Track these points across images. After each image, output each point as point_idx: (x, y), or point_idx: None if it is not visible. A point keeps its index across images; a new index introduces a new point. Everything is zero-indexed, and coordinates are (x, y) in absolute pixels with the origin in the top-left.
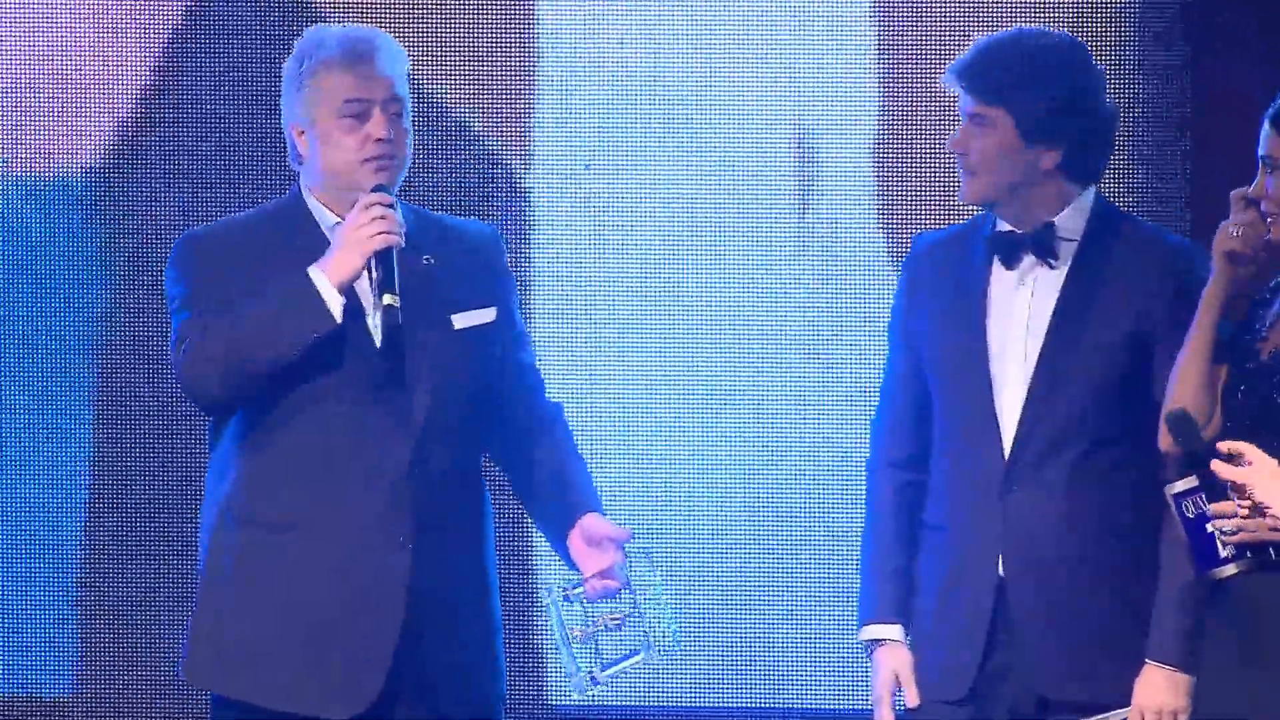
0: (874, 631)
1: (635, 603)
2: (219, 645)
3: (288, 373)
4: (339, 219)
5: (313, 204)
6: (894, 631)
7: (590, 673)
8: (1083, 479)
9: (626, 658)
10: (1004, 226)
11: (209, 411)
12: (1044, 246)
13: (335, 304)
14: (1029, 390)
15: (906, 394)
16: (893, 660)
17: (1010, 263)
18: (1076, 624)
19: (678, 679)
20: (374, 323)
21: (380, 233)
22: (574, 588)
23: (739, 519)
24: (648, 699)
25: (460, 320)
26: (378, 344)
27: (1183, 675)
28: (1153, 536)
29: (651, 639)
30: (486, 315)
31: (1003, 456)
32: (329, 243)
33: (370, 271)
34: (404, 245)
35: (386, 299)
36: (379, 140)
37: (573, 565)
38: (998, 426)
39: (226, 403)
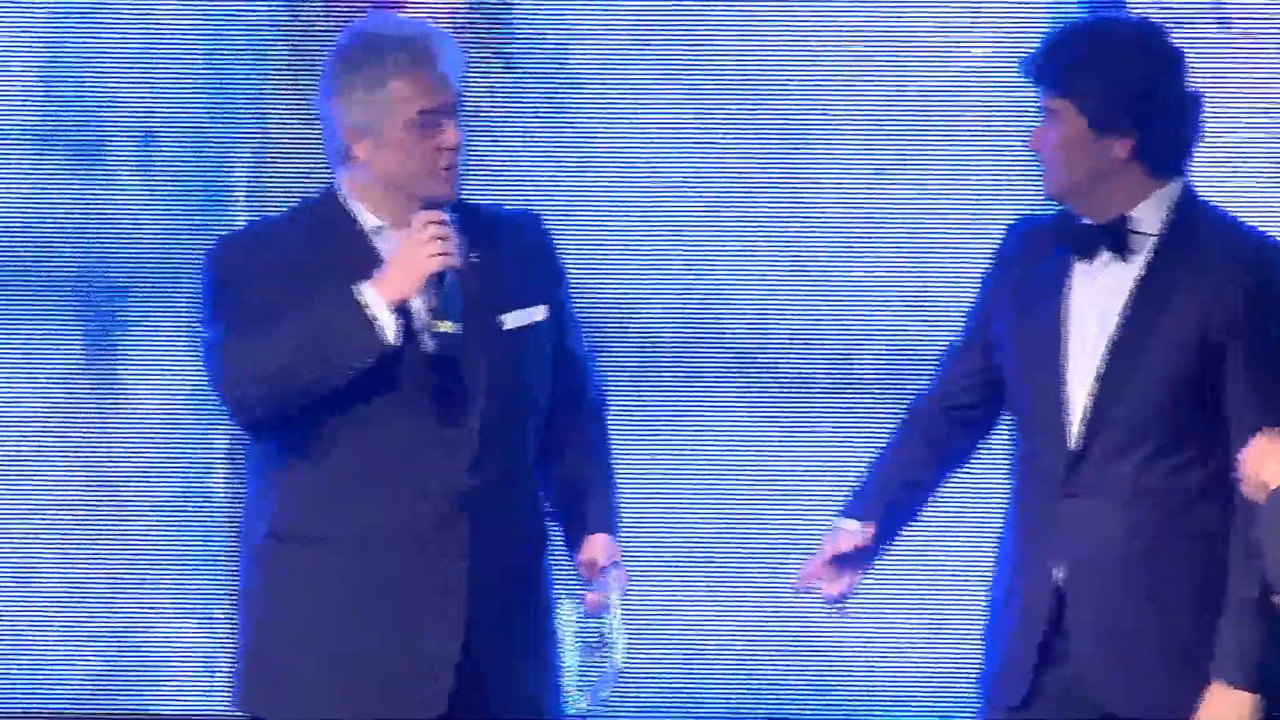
0: (837, 523)
1: (608, 625)
2: (273, 669)
3: (337, 388)
4: (381, 222)
5: (353, 206)
6: (848, 524)
7: (573, 696)
8: (1146, 484)
9: (602, 681)
10: (1084, 219)
11: (252, 431)
12: (1117, 240)
13: (389, 327)
14: (1094, 390)
15: (964, 360)
16: (830, 540)
17: (1086, 256)
18: (1137, 637)
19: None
20: (426, 337)
21: (438, 254)
22: (566, 604)
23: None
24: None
25: (511, 320)
26: (428, 353)
27: (1248, 695)
28: (1218, 547)
29: (610, 664)
30: (537, 313)
31: (1066, 458)
32: (370, 246)
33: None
34: (459, 264)
35: (445, 326)
36: (451, 149)
37: (582, 580)
38: (1064, 426)
39: (272, 423)
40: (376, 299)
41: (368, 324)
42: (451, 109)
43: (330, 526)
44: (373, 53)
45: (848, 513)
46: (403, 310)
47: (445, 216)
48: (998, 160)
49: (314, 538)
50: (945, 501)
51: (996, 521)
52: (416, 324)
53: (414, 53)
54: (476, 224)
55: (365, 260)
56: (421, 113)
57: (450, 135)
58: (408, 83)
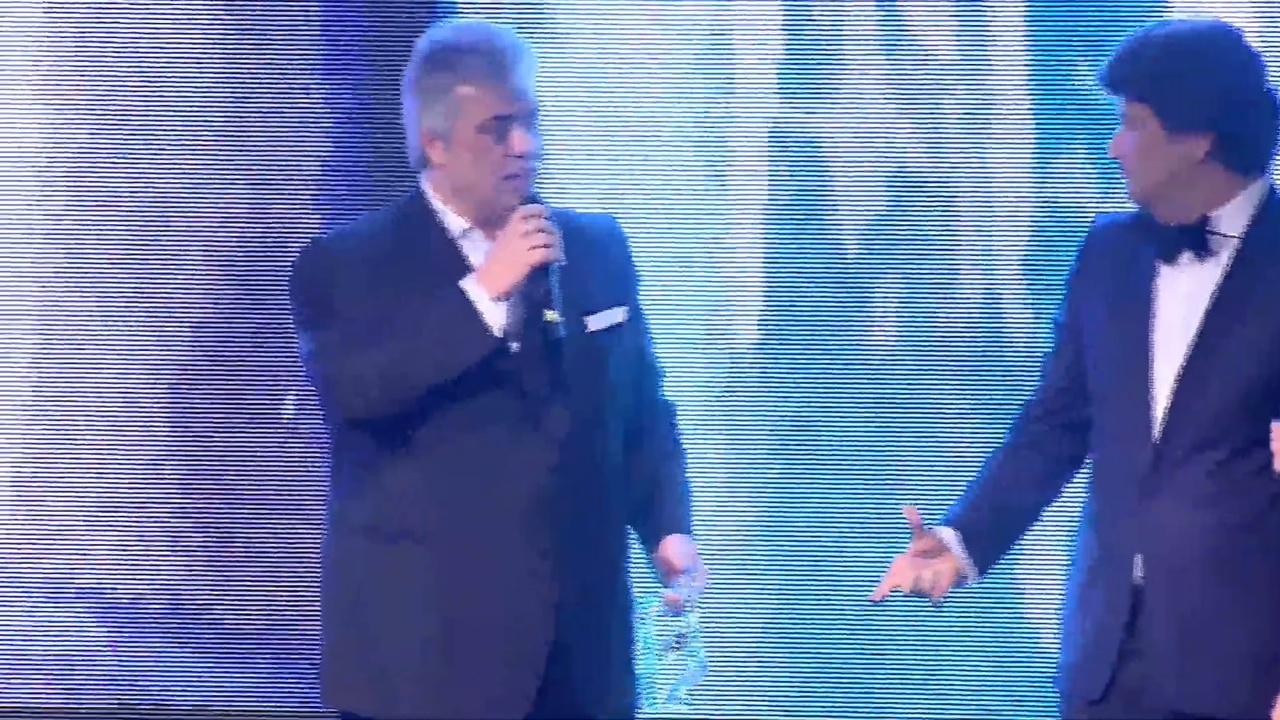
0: (936, 531)
1: (689, 624)
2: (360, 664)
3: (444, 385)
4: (468, 225)
5: (439, 208)
6: (943, 532)
7: (654, 689)
8: (1225, 485)
9: (683, 679)
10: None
11: (358, 428)
12: (1197, 241)
13: (495, 321)
14: (1174, 391)
15: (1060, 364)
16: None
17: (1169, 258)
18: (1212, 636)
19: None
20: (513, 336)
21: (539, 246)
22: (647, 602)
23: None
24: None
25: (594, 322)
26: (517, 352)
27: None
28: None
29: (694, 661)
30: (618, 315)
31: (1147, 457)
32: (458, 249)
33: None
34: (564, 260)
35: (550, 315)
36: (522, 156)
37: (658, 580)
38: (1146, 426)
39: (377, 421)
40: (481, 294)
41: (475, 319)
42: (524, 117)
43: (421, 523)
44: (447, 58)
45: (946, 520)
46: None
47: (545, 211)
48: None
49: (404, 534)
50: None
51: (1071, 517)
52: (512, 321)
53: (488, 60)
54: (558, 225)
55: (454, 263)
56: (492, 119)
57: (520, 141)
58: (479, 89)
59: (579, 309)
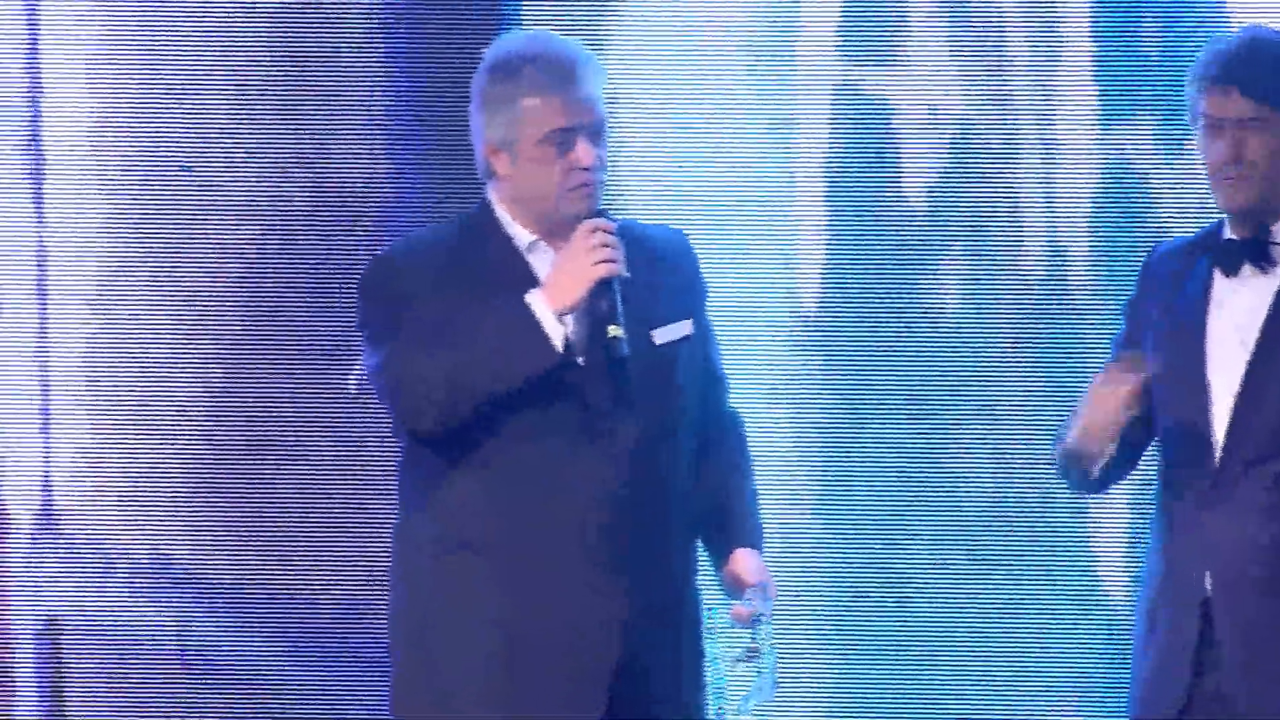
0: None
1: (760, 637)
2: (426, 680)
3: (507, 398)
4: (535, 237)
5: (505, 220)
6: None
7: (721, 706)
8: None
9: (753, 692)
10: (1229, 234)
11: (422, 441)
12: (1259, 253)
13: (557, 335)
14: (1235, 403)
15: None
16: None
17: (1232, 270)
18: None
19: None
20: (580, 349)
21: (603, 260)
22: (716, 615)
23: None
24: None
25: (661, 335)
26: (584, 366)
27: None
28: None
29: (764, 675)
30: (685, 328)
31: (1209, 470)
32: (525, 262)
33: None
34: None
35: (613, 331)
36: (585, 169)
37: (727, 594)
38: (1207, 439)
39: (441, 433)
40: (544, 308)
41: (538, 333)
42: (588, 129)
43: (482, 536)
44: (511, 68)
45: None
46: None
47: (611, 225)
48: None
49: (466, 546)
50: (1093, 509)
51: (1140, 528)
52: (575, 334)
53: (552, 72)
54: (624, 238)
55: (521, 276)
56: (555, 131)
57: (584, 154)
58: (542, 101)
59: (646, 322)
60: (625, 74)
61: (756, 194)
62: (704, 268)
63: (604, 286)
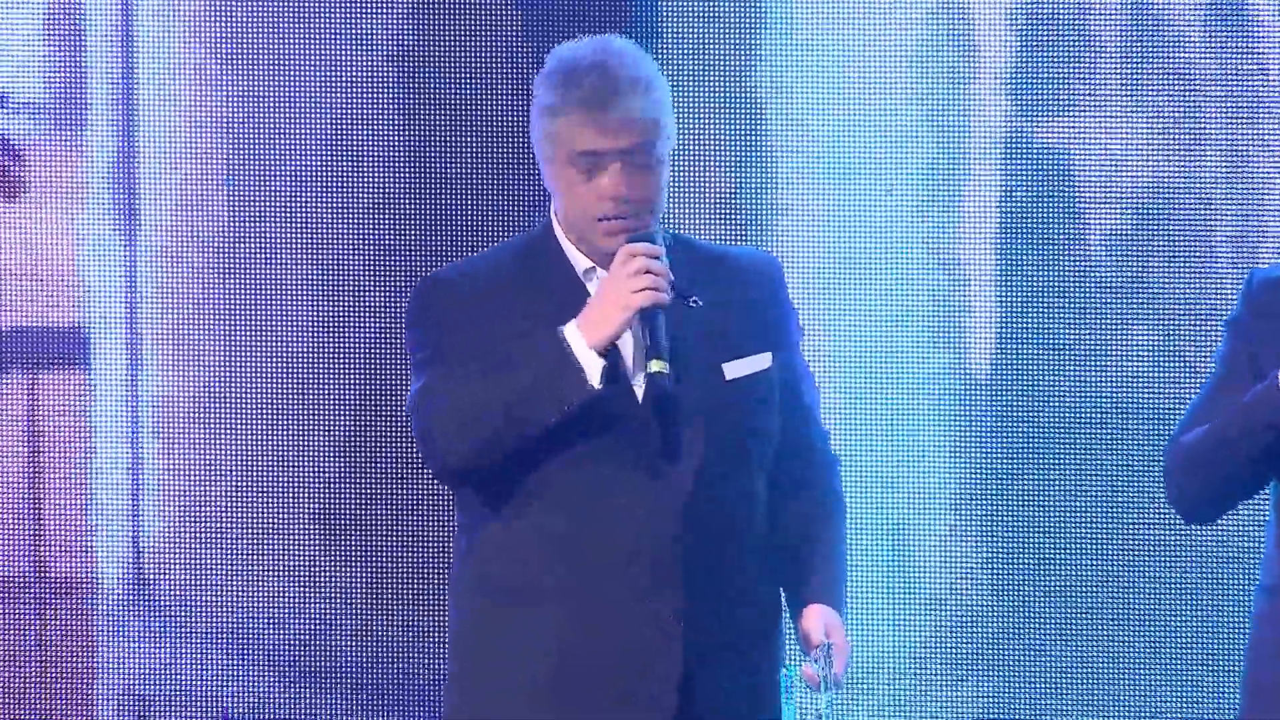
0: None
1: (823, 704)
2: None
3: (545, 435)
4: (590, 264)
5: (563, 243)
6: None
7: None
8: None
9: None
10: None
11: (451, 483)
12: None
13: (594, 371)
14: None
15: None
16: None
17: None
18: None
19: None
20: (638, 382)
21: (644, 288)
22: (794, 673)
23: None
24: None
25: (732, 369)
26: (640, 401)
27: None
28: None
29: None
30: (761, 361)
31: None
32: (583, 286)
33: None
34: (670, 300)
35: (654, 366)
36: (613, 199)
37: (802, 650)
38: None
39: (471, 475)
40: (579, 341)
41: (572, 368)
42: (626, 154)
43: (538, 580)
44: (555, 81)
45: None
46: (612, 352)
47: (656, 249)
48: None
49: (522, 592)
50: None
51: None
52: (626, 367)
53: (591, 88)
54: (702, 264)
55: (578, 303)
56: (581, 154)
57: (610, 183)
58: (574, 119)
59: (717, 355)
60: (790, 119)
61: (922, 236)
62: (869, 317)
63: (648, 317)
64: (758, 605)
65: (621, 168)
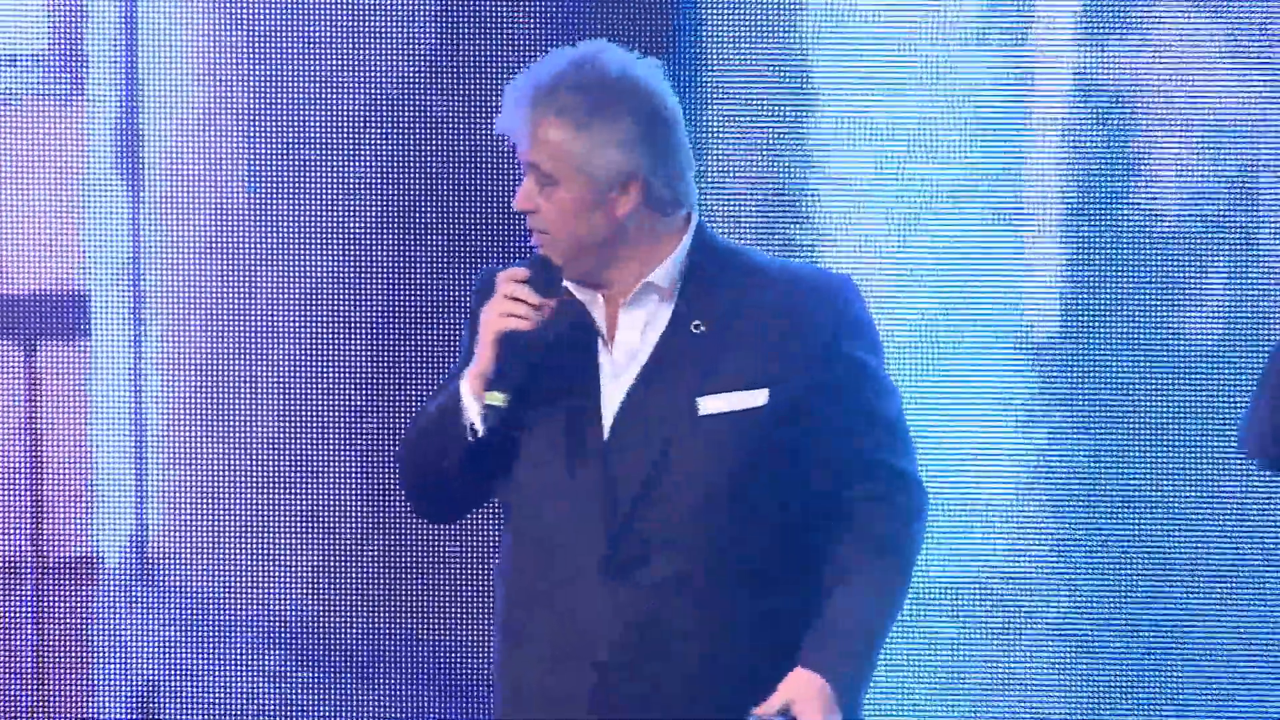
0: None
1: None
2: None
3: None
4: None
5: None
6: None
7: None
8: None
9: None
10: None
11: (420, 514)
12: None
13: (473, 411)
14: None
15: None
16: None
17: None
18: None
19: None
20: (608, 407)
21: (503, 314)
22: None
23: None
24: None
25: (711, 404)
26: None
27: None
28: None
29: None
30: (751, 399)
31: None
32: (589, 314)
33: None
34: (531, 327)
35: (490, 398)
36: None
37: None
38: None
39: (419, 504)
40: (464, 382)
41: (457, 411)
42: (530, 165)
43: (513, 596)
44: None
45: None
46: (593, 380)
47: (522, 274)
48: None
49: (511, 600)
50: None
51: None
52: (602, 391)
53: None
54: (739, 279)
55: (581, 327)
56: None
57: (519, 193)
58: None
59: (695, 388)
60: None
61: (982, 188)
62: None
63: (505, 343)
64: (734, 666)
65: (528, 176)
